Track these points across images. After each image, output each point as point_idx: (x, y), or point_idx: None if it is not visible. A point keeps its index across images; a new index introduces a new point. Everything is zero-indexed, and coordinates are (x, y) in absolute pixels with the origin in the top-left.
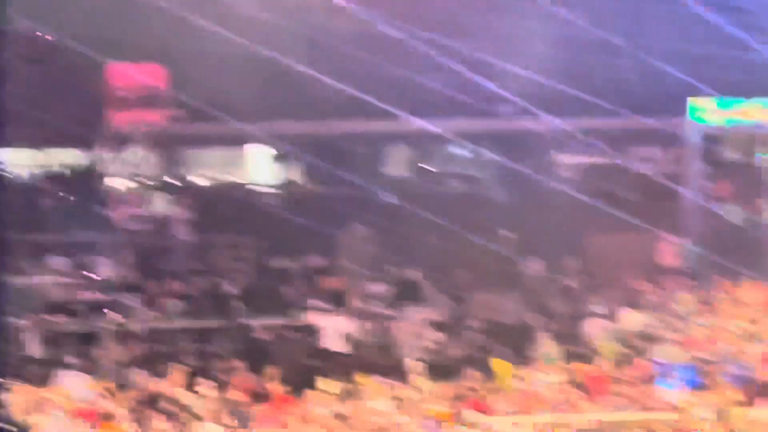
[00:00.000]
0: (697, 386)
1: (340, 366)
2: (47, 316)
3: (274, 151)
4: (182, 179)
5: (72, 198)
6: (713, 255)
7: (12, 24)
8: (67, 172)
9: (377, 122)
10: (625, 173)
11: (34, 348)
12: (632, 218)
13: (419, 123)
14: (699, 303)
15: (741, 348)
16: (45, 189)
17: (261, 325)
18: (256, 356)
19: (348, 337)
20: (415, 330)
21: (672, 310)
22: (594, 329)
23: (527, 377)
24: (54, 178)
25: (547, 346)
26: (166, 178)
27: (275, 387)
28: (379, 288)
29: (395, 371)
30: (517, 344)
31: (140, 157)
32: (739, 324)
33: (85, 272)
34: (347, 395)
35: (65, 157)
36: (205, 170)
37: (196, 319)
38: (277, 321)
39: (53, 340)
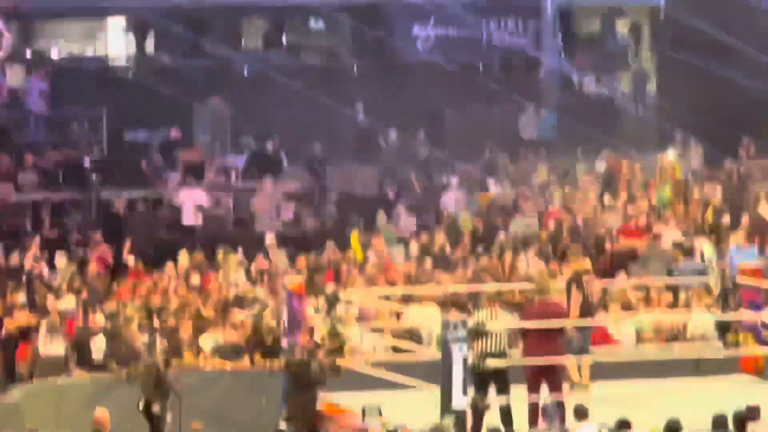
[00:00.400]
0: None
1: (198, 239)
2: None
3: (132, 23)
4: (38, 52)
5: None
6: (573, 126)
7: None
8: None
9: None
10: (485, 45)
11: None
12: (492, 90)
13: None
14: (557, 175)
15: (599, 219)
16: None
17: (118, 198)
18: (114, 230)
19: (205, 210)
20: (272, 202)
21: (531, 182)
22: (452, 202)
23: (384, 249)
24: None
25: (404, 218)
26: (22, 51)
27: (133, 260)
28: (236, 160)
29: (252, 244)
30: (373, 216)
31: None
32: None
33: None
34: (204, 268)
35: None
36: (62, 42)
37: (52, 192)
38: (135, 194)
39: None
